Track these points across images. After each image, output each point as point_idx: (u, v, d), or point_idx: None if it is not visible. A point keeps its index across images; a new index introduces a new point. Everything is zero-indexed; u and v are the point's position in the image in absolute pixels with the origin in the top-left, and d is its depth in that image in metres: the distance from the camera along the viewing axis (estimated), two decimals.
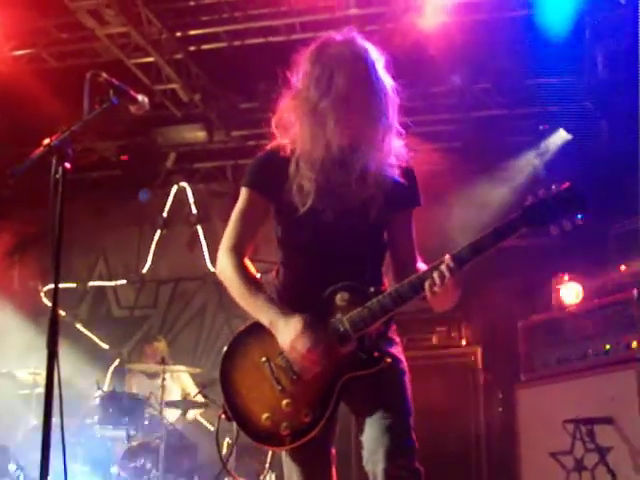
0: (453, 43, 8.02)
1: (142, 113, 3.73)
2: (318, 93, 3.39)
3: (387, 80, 3.47)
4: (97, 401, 7.85)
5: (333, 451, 3.55)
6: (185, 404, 8.19)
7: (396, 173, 3.48)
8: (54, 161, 3.27)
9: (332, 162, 3.42)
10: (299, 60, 3.50)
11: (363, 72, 3.40)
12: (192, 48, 9.02)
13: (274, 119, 3.55)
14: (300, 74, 3.49)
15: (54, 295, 3.28)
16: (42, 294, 9.42)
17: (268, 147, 3.58)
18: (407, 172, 3.53)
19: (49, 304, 8.31)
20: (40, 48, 9.01)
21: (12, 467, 7.59)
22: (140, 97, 3.65)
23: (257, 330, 3.42)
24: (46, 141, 3.31)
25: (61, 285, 3.31)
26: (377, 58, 3.46)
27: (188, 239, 10.45)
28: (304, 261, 3.52)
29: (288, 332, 3.28)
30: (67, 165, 3.27)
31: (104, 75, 3.54)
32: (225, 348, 3.47)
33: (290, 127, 3.50)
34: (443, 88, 9.13)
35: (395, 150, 3.50)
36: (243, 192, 3.56)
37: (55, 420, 3.21)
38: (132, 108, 3.68)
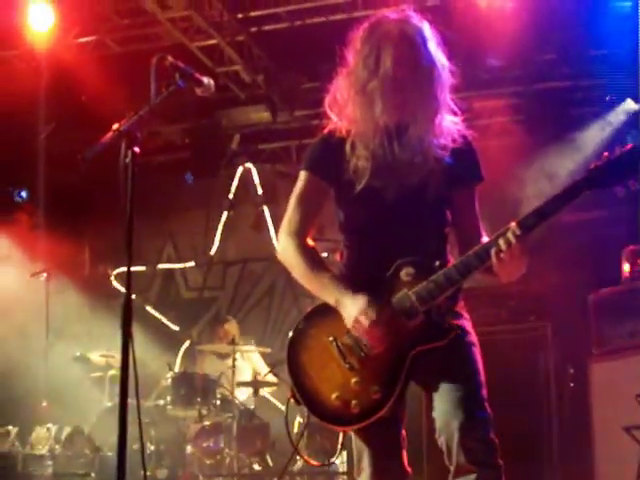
0: (516, 15, 7.91)
1: (207, 95, 3.75)
2: (366, 73, 3.38)
3: (439, 59, 3.44)
4: (169, 382, 7.97)
5: (404, 433, 3.53)
6: (256, 384, 8.26)
7: (452, 151, 3.44)
8: (123, 145, 3.31)
9: (385, 141, 3.41)
10: (353, 38, 3.50)
11: (409, 51, 3.37)
12: (254, 29, 9.04)
13: (327, 99, 3.56)
14: (352, 53, 3.48)
15: (127, 278, 3.33)
16: (112, 278, 9.52)
17: (325, 130, 3.57)
18: (466, 149, 3.50)
19: (119, 287, 8.47)
20: (103, 34, 9.10)
21: (88, 448, 7.75)
22: (206, 79, 3.67)
23: (323, 311, 3.43)
24: (115, 126, 3.35)
25: (127, 268, 3.35)
26: (429, 37, 3.43)
27: (254, 220, 10.48)
28: (367, 240, 3.50)
29: (353, 309, 3.28)
30: (136, 149, 3.31)
31: (170, 59, 3.57)
32: (291, 332, 3.48)
33: (344, 107, 3.49)
34: (506, 62, 9.01)
35: (449, 129, 3.47)
36: (302, 176, 3.56)
37: (130, 401, 3.26)
38: (198, 91, 3.69)
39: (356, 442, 3.53)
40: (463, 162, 3.49)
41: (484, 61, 8.64)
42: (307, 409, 3.41)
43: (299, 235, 3.50)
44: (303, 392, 3.40)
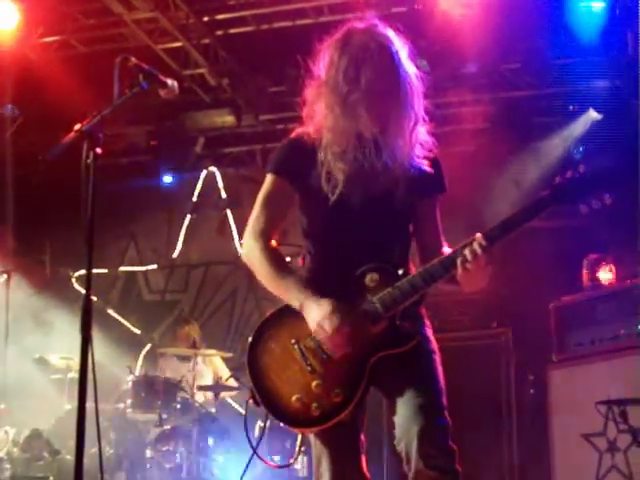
0: (480, 23, 7.96)
1: (171, 98, 3.74)
2: (346, 85, 3.41)
3: (411, 69, 3.50)
4: (129, 385, 7.91)
5: (362, 438, 3.54)
6: (217, 388, 8.22)
7: (421, 161, 3.51)
8: (85, 146, 3.29)
9: (360, 151, 3.45)
10: (322, 49, 3.52)
11: (389, 63, 3.42)
12: (219, 32, 9.03)
13: (303, 109, 3.58)
14: (325, 64, 3.51)
15: (87, 281, 3.30)
16: (73, 280, 9.45)
17: (292, 135, 3.60)
18: (432, 160, 3.56)
19: (81, 290, 8.38)
20: (68, 34, 9.05)
21: (46, 451, 7.68)
22: (170, 81, 3.66)
23: (285, 314, 3.44)
24: (77, 126, 3.32)
25: (91, 270, 3.32)
26: (401, 46, 3.49)
27: (218, 223, 10.47)
28: (331, 247, 3.53)
29: (317, 313, 3.29)
30: (98, 150, 3.29)
31: (133, 60, 3.55)
32: (252, 333, 3.48)
33: (316, 116, 3.52)
34: (472, 69, 9.06)
35: (420, 138, 3.53)
36: (268, 178, 3.58)
37: (89, 405, 3.24)
38: (162, 92, 3.68)
39: (315, 446, 3.54)
40: (427, 172, 3.53)
41: (450, 69, 8.68)
42: (267, 410, 3.40)
43: (264, 237, 3.51)
44: (263, 393, 3.40)
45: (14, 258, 9.12)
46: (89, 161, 3.25)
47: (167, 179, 10.56)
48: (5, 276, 8.27)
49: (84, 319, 3.27)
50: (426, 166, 3.51)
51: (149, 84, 3.55)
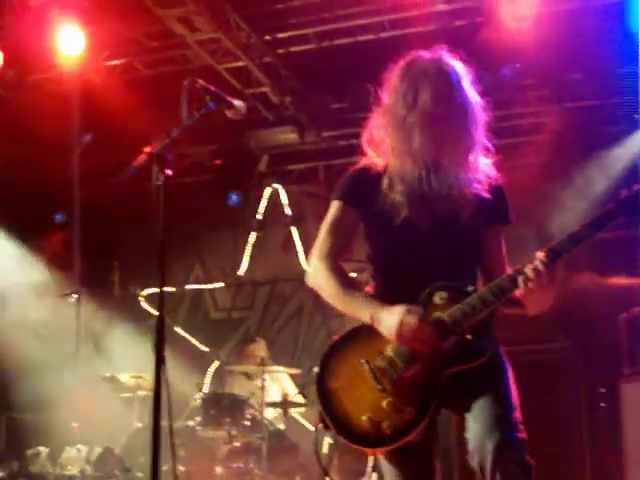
0: (543, 35, 7.92)
1: (238, 117, 3.78)
2: (404, 109, 3.47)
3: (474, 97, 3.54)
4: (198, 403, 7.96)
5: (438, 466, 3.54)
6: (285, 404, 8.24)
7: (484, 189, 3.51)
8: (155, 168, 3.34)
9: (422, 174, 3.47)
10: (388, 77, 3.58)
11: (447, 88, 3.47)
12: (281, 51, 9.08)
13: (365, 136, 3.64)
14: (388, 91, 3.58)
15: (160, 300, 3.34)
16: (141, 299, 9.55)
17: (360, 163, 3.65)
18: (496, 189, 3.57)
19: (149, 309, 8.45)
20: (132, 57, 9.18)
21: (118, 469, 7.76)
22: (237, 102, 3.70)
23: (353, 335, 3.49)
24: (147, 149, 3.37)
25: (159, 289, 3.37)
26: (463, 75, 3.54)
27: (283, 240, 10.51)
28: (398, 272, 3.53)
29: (393, 318, 3.31)
30: (168, 172, 3.33)
31: (201, 82, 3.60)
32: (321, 356, 3.50)
33: (381, 143, 3.57)
34: (535, 81, 9.01)
35: (482, 167, 3.55)
36: (335, 205, 3.61)
37: (157, 423, 3.27)
38: (229, 113, 3.72)
39: (385, 468, 3.54)
40: (493, 201, 3.54)
41: (513, 81, 8.64)
42: (336, 432, 3.40)
43: (330, 259, 3.53)
44: (332, 415, 3.40)
45: (83, 279, 9.24)
46: (160, 183, 3.30)
47: (232, 197, 10.62)
48: (75, 297, 8.38)
49: (157, 339, 3.32)
50: (489, 195, 3.52)
51: (217, 105, 3.60)
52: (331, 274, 3.50)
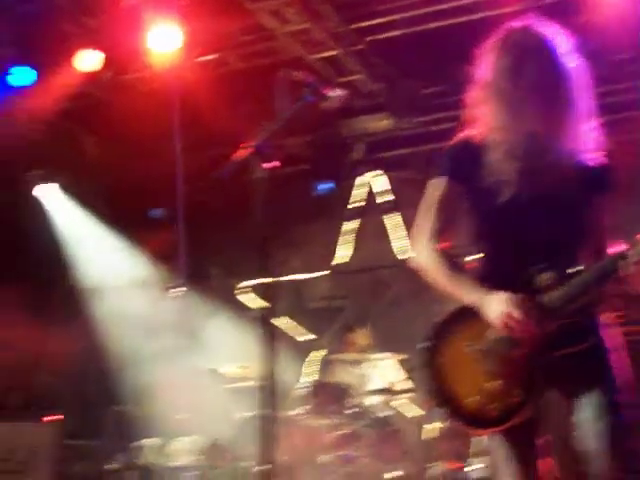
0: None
1: (334, 106, 3.79)
2: (510, 83, 3.42)
3: (574, 63, 3.47)
4: (301, 392, 8.02)
5: (540, 442, 3.51)
6: (388, 391, 8.24)
7: (590, 158, 3.46)
8: (254, 161, 3.37)
9: (528, 149, 3.42)
10: (482, 51, 3.52)
11: (549, 59, 3.42)
12: (371, 38, 9.06)
13: (464, 112, 3.59)
14: (486, 66, 3.52)
15: (265, 291, 3.38)
16: (240, 290, 9.64)
17: (459, 137, 3.61)
18: (601, 157, 3.50)
19: (248, 300, 8.50)
20: (224, 52, 9.25)
21: (227, 459, 7.88)
22: (336, 91, 3.71)
23: (457, 317, 3.48)
24: (246, 143, 3.41)
25: (259, 281, 3.40)
26: (561, 41, 3.47)
27: (379, 228, 10.50)
28: (505, 248, 3.50)
29: (500, 304, 3.29)
30: (268, 165, 3.36)
31: (296, 73, 3.62)
32: (426, 339, 3.51)
33: (481, 118, 3.53)
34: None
35: (588, 134, 3.48)
36: (437, 182, 3.58)
37: (265, 412, 3.31)
38: (325, 103, 3.74)
39: (493, 450, 3.53)
40: (596, 170, 3.48)
41: (610, 57, 8.46)
42: (445, 414, 3.43)
43: (434, 240, 3.52)
44: (440, 397, 3.43)
45: (184, 272, 9.36)
46: (260, 176, 3.33)
47: (326, 186, 10.65)
48: (177, 290, 8.51)
49: (264, 330, 3.35)
50: (595, 163, 3.46)
51: (313, 97, 3.62)
52: (435, 256, 3.49)
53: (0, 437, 8.24)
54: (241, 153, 3.35)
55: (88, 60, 9.12)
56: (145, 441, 8.62)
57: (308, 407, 7.94)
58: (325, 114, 9.24)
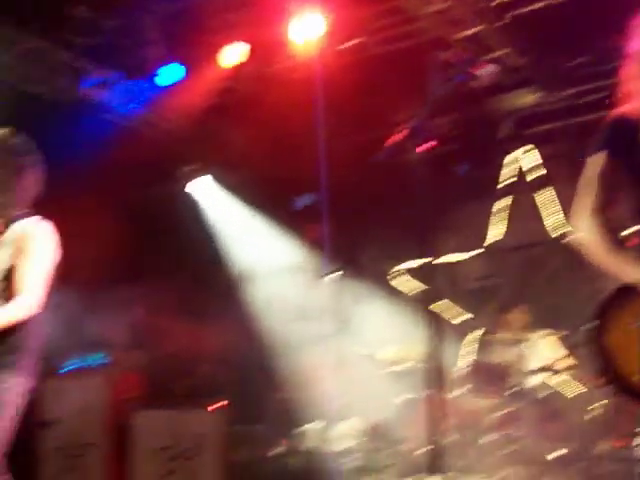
0: None
1: (483, 84, 3.76)
2: None
3: None
4: (462, 373, 8.00)
5: None
6: (549, 369, 8.13)
7: None
8: (410, 143, 3.38)
9: None
10: (635, 25, 3.43)
11: None
12: (513, 12, 8.91)
13: (619, 87, 3.52)
14: None
15: (420, 273, 3.39)
16: (395, 274, 9.65)
17: (615, 112, 3.54)
18: None
19: (405, 283, 8.47)
20: (366, 37, 9.25)
21: (388, 442, 7.94)
22: (483, 70, 3.68)
23: (622, 294, 3.43)
24: (400, 126, 3.42)
25: (414, 263, 3.42)
26: None
27: (530, 205, 10.34)
28: None
29: None
30: (424, 146, 3.37)
31: (446, 53, 3.61)
32: (593, 317, 3.48)
33: (638, 93, 3.45)
34: None
35: None
36: (596, 157, 3.52)
37: (424, 394, 3.33)
38: (475, 81, 3.71)
39: None
40: None
41: None
42: (613, 391, 3.41)
43: (594, 215, 3.46)
44: (609, 374, 3.39)
45: (336, 258, 9.41)
46: (416, 158, 3.34)
47: (474, 165, 10.55)
48: (334, 275, 8.58)
49: (423, 312, 3.36)
50: None
51: (464, 75, 3.60)
52: (597, 232, 3.44)
53: (167, 425, 8.53)
54: (396, 136, 3.37)
55: (233, 54, 9.32)
56: (307, 426, 8.76)
57: (468, 388, 7.92)
58: (473, 92, 9.23)
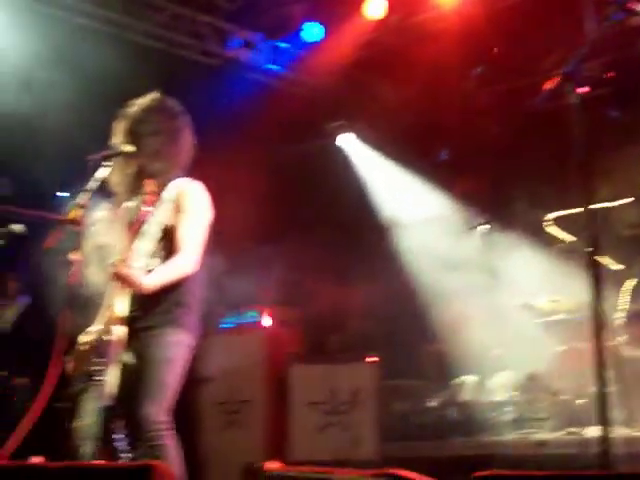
0: None
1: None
2: None
3: None
4: (619, 322, 7.81)
5: None
6: None
7: None
8: (566, 89, 3.29)
9: None
10: None
11: None
12: None
13: None
14: None
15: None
16: (548, 223, 9.43)
17: None
18: None
19: (555, 233, 8.27)
20: None
21: (544, 393, 7.84)
22: None
23: None
24: (552, 72, 3.33)
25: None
26: None
27: None
28: None
29: None
30: (580, 90, 3.27)
31: None
32: None
33: None
34: None
35: None
36: None
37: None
38: (632, 20, 3.58)
39: None
40: None
41: None
42: None
43: None
44: None
45: (488, 209, 9.29)
46: (575, 102, 3.24)
47: (629, 109, 10.15)
48: (484, 226, 8.47)
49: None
50: None
51: (620, 14, 3.47)
52: None
53: (322, 379, 8.63)
54: (550, 82, 3.28)
55: (375, 7, 9.26)
56: (463, 378, 8.73)
57: (625, 338, 7.74)
58: (627, 32, 8.88)
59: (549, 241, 8.98)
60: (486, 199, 9.72)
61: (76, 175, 6.16)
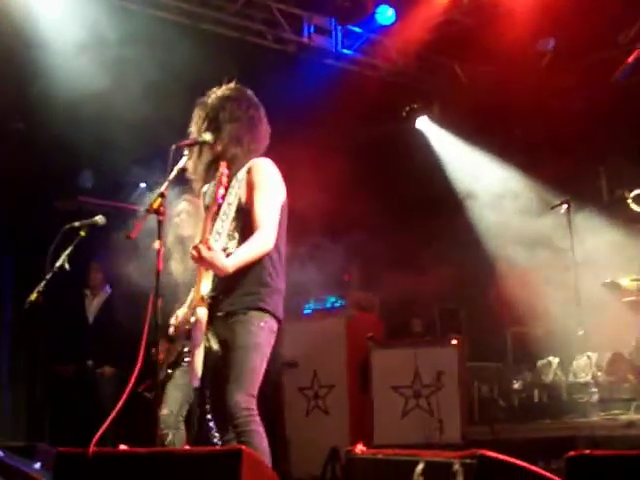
0: None
1: None
2: None
3: None
4: None
5: None
6: None
7: None
8: None
9: None
10: None
11: None
12: None
13: None
14: None
15: None
16: (629, 200, 9.25)
17: None
18: None
19: (636, 209, 8.10)
20: None
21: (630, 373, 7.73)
22: None
23: None
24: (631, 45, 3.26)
25: None
26: None
27: None
28: None
29: None
30: None
31: None
32: None
33: None
34: None
35: None
36: None
37: None
38: None
39: None
40: None
41: None
42: None
43: None
44: None
45: (571, 186, 9.13)
46: None
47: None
48: (565, 206, 8.35)
49: None
50: None
51: None
52: None
53: (405, 363, 8.63)
54: (633, 55, 3.22)
55: None
56: (547, 359, 8.64)
57: None
58: None
59: (633, 218, 8.82)
60: (568, 177, 9.56)
61: (156, 165, 6.25)
